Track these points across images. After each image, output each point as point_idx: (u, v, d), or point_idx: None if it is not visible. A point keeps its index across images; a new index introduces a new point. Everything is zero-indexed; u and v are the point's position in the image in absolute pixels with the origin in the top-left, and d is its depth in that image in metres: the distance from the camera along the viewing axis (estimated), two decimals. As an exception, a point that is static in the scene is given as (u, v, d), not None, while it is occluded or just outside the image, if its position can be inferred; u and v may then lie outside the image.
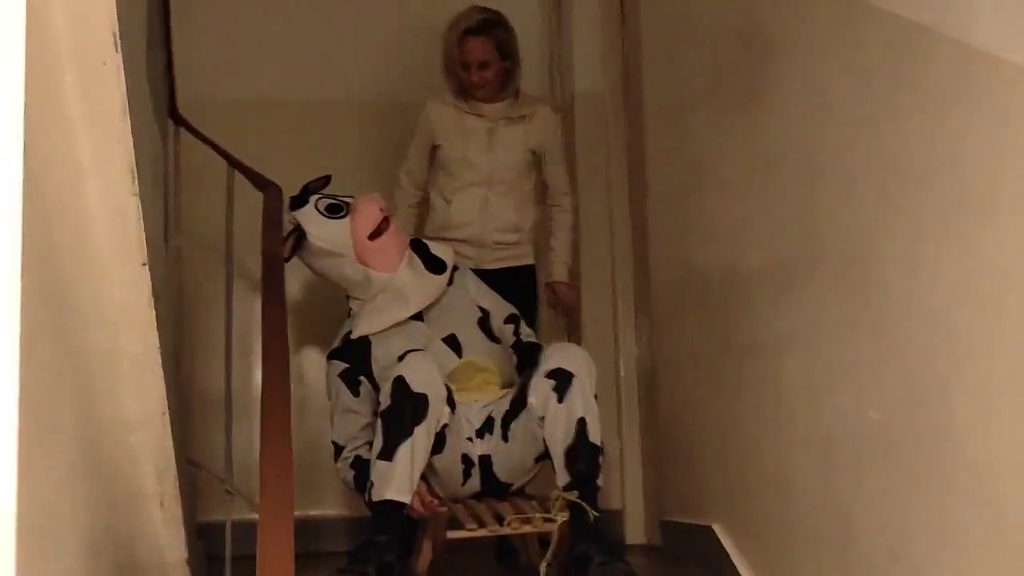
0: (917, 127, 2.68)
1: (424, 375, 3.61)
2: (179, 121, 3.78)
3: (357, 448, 3.83)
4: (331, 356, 4.03)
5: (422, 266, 3.99)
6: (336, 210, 4.01)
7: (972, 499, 2.50)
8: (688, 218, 4.14)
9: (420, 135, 4.44)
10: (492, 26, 4.32)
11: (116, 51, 1.79)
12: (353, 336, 3.99)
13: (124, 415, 2.40)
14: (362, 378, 3.89)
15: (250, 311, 4.46)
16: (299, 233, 3.95)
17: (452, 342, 3.94)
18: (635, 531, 4.51)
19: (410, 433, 3.53)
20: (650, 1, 4.49)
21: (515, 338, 4.01)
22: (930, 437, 2.62)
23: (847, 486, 2.97)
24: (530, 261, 4.43)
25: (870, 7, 2.82)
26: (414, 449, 3.56)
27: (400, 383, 3.57)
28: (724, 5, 3.84)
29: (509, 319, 4.05)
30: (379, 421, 3.64)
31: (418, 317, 4.00)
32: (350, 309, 4.10)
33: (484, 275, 4.21)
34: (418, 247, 4.07)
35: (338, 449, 3.90)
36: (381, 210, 3.96)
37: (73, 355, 1.98)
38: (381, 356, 3.90)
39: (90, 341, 2.13)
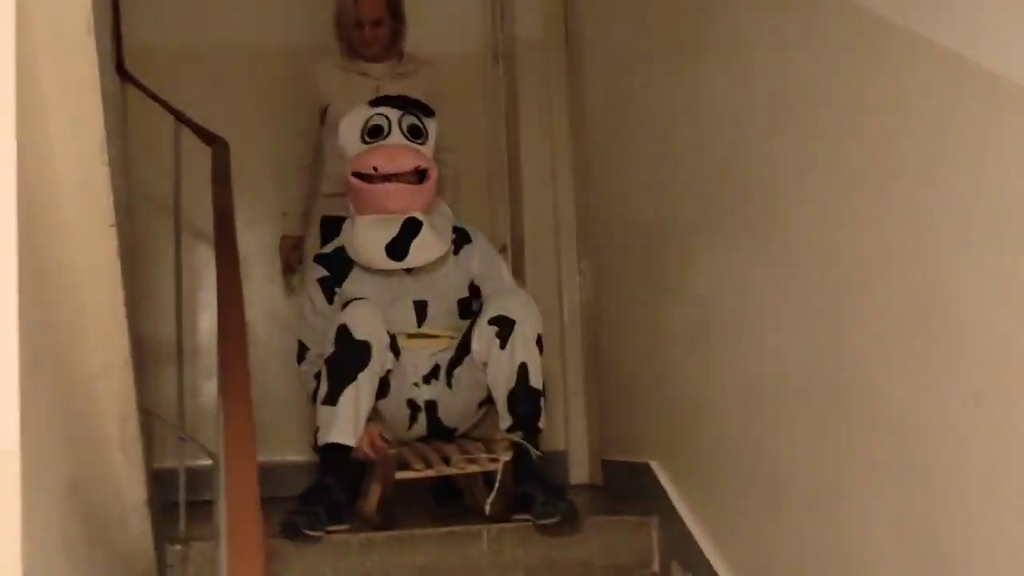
0: (831, 94, 2.87)
1: (366, 323, 3.72)
2: (125, 76, 3.81)
3: (321, 355, 3.86)
4: (316, 259, 4.14)
5: (385, 240, 3.94)
6: (375, 134, 4.00)
7: (881, 436, 2.69)
8: (627, 168, 4.27)
9: (308, 97, 4.64)
10: None
11: (90, 35, 1.90)
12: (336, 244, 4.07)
13: (89, 365, 2.46)
14: (337, 289, 3.99)
15: (195, 263, 4.53)
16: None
17: (420, 308, 4.00)
18: (579, 471, 4.65)
19: (353, 379, 3.67)
20: None
21: (496, 335, 3.92)
22: (843, 379, 2.81)
23: (773, 423, 3.14)
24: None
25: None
26: (358, 394, 3.69)
27: (343, 331, 3.69)
28: None
29: (498, 322, 3.93)
30: (323, 367, 3.74)
31: (410, 270, 4.02)
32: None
33: None
34: (409, 227, 3.95)
35: (303, 350, 4.02)
36: (375, 168, 3.89)
37: (48, 308, 2.07)
38: (351, 286, 4.00)
39: (60, 295, 2.22)
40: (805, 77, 2.96)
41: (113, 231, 2.30)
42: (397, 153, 3.93)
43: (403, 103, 4.07)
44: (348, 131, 4.03)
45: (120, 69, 3.80)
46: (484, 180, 5.04)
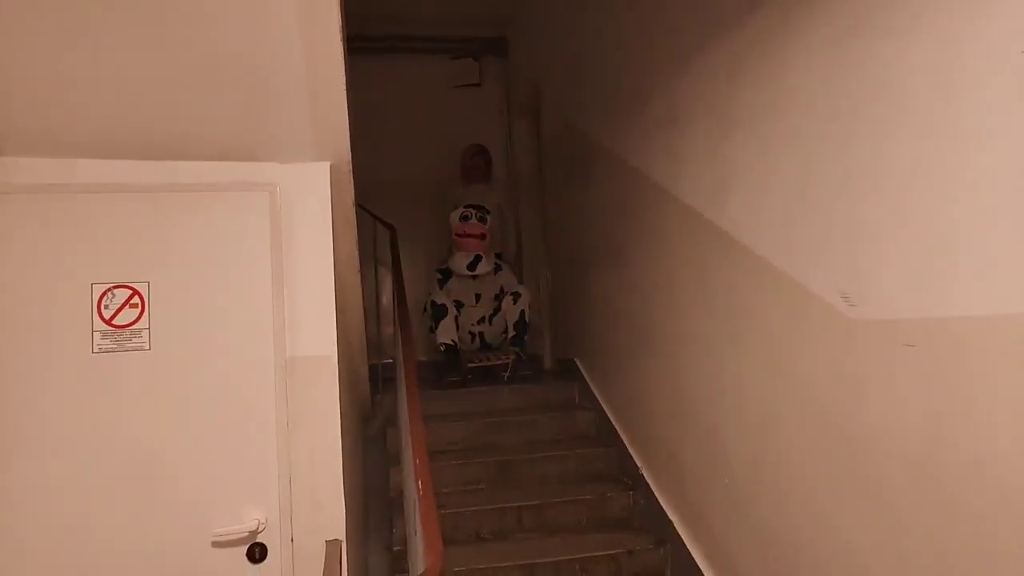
0: (638, 205, 2.99)
1: (441, 297, 4.05)
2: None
3: (431, 312, 4.04)
4: (438, 269, 4.28)
5: (466, 262, 4.14)
6: (464, 219, 4.15)
7: (660, 355, 2.83)
8: (565, 228, 4.21)
9: (449, 198, 4.58)
10: (484, 152, 4.56)
11: (352, 208, 2.24)
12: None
13: (349, 322, 2.59)
14: (445, 284, 4.18)
15: (379, 277, 4.44)
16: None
17: (477, 296, 4.18)
18: (548, 363, 4.47)
19: (442, 318, 4.01)
20: (551, 139, 4.48)
21: (512, 299, 4.13)
22: (652, 325, 2.96)
23: (623, 345, 3.31)
24: (499, 250, 4.51)
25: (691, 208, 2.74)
26: (446, 325, 4.01)
27: (432, 301, 4.01)
28: (583, 136, 3.81)
29: (513, 294, 4.16)
30: (430, 319, 4.00)
31: (475, 276, 4.15)
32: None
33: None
34: (476, 258, 4.13)
35: (425, 308, 4.13)
36: (465, 232, 4.10)
37: (339, 307, 2.19)
38: (451, 282, 4.17)
39: (342, 304, 2.33)
40: (633, 207, 3.06)
41: (359, 279, 2.60)
42: (473, 227, 4.16)
43: (477, 208, 4.23)
44: (453, 217, 4.22)
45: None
46: (506, 232, 4.76)
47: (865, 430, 1.71)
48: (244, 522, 1.89)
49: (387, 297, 4.58)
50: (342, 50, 1.68)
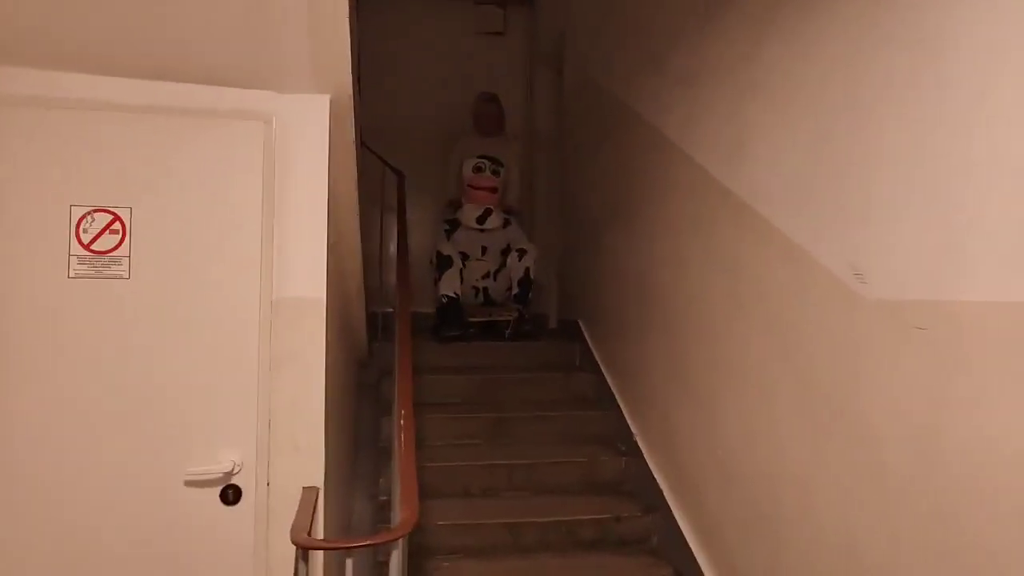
0: (657, 174, 2.91)
1: (448, 249, 3.96)
2: (361, 144, 4.05)
3: (436, 262, 4.01)
4: (445, 220, 4.20)
5: (476, 215, 4.09)
6: (478, 169, 4.08)
7: (655, 309, 2.76)
8: (579, 189, 4.17)
9: (456, 151, 4.43)
10: (495, 100, 4.41)
11: (353, 147, 2.13)
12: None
13: (346, 269, 2.63)
14: (452, 235, 4.11)
15: (386, 222, 4.38)
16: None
17: (483, 249, 4.13)
18: (551, 323, 4.57)
19: (447, 269, 3.90)
20: (572, 93, 4.35)
21: (517, 255, 4.10)
22: (649, 282, 2.91)
23: (622, 302, 3.24)
24: (510, 205, 4.38)
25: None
26: (450, 276, 3.92)
27: (438, 253, 3.94)
28: (601, 103, 3.75)
29: (519, 250, 4.11)
30: (435, 269, 3.97)
31: (483, 230, 4.09)
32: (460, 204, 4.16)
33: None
34: (487, 211, 4.07)
35: (432, 258, 4.10)
36: (478, 184, 4.05)
37: (334, 250, 2.19)
38: (458, 234, 4.11)
39: (339, 246, 2.33)
40: (647, 166, 3.00)
41: (358, 223, 2.47)
42: (486, 179, 4.09)
43: (492, 160, 4.14)
44: (466, 166, 4.14)
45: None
46: (522, 191, 4.59)
47: (864, 410, 1.65)
48: (219, 462, 1.85)
49: (394, 245, 4.34)
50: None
